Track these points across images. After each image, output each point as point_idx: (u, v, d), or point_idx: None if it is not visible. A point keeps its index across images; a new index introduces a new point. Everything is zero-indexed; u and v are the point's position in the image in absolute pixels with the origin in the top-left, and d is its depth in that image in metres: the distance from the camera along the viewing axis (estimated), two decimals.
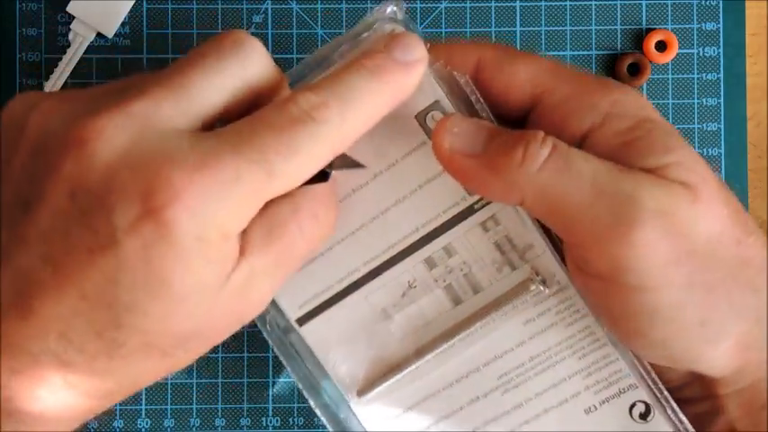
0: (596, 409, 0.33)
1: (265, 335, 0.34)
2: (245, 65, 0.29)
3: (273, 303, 0.34)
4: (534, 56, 0.33)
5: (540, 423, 0.34)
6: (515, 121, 0.33)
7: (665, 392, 0.33)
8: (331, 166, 0.29)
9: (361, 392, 0.34)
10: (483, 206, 0.33)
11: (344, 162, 0.31)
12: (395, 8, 0.32)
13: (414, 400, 0.34)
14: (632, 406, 0.33)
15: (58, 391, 0.28)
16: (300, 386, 0.35)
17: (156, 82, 0.28)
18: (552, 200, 0.30)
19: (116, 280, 0.26)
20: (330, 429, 0.35)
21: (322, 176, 0.29)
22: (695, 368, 0.32)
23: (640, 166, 0.30)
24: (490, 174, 0.30)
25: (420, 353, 0.34)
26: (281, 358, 0.35)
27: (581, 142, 0.31)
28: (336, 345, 0.34)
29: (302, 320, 0.34)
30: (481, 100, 0.32)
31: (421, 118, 0.32)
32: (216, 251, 0.27)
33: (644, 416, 0.33)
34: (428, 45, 0.31)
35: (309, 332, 0.34)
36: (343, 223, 0.33)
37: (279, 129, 0.27)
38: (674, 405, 0.33)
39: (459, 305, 0.34)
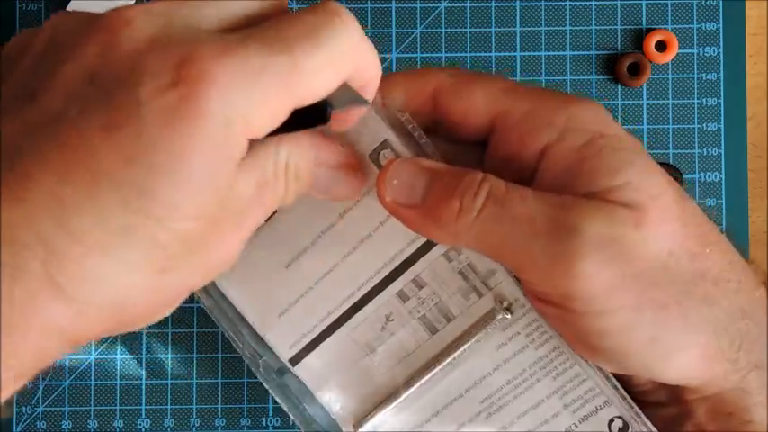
0: (576, 427, 0.34)
1: (260, 378, 0.35)
2: None
3: (265, 347, 0.35)
4: (490, 77, 0.33)
5: None
6: (479, 142, 0.33)
7: (636, 408, 0.33)
8: (332, 105, 0.27)
9: (357, 426, 0.35)
10: None
11: (348, 96, 0.29)
12: None
13: (407, 428, 0.35)
14: (611, 422, 0.34)
15: (37, 293, 0.24)
16: (298, 423, 0.35)
17: None
18: (492, 244, 0.30)
19: (131, 158, 0.24)
20: None
21: (322, 117, 0.27)
22: (656, 379, 0.32)
23: (587, 191, 0.30)
24: (431, 223, 0.31)
25: (407, 383, 0.35)
26: (278, 399, 0.35)
27: (540, 159, 0.31)
28: (328, 380, 0.35)
29: (294, 360, 0.35)
30: (424, 136, 0.32)
31: (374, 157, 0.32)
32: (236, 148, 0.25)
33: (623, 431, 0.34)
34: None
35: (303, 370, 0.35)
36: (319, 263, 0.34)
37: (303, 22, 0.26)
38: (646, 420, 0.33)
39: (435, 334, 0.34)
